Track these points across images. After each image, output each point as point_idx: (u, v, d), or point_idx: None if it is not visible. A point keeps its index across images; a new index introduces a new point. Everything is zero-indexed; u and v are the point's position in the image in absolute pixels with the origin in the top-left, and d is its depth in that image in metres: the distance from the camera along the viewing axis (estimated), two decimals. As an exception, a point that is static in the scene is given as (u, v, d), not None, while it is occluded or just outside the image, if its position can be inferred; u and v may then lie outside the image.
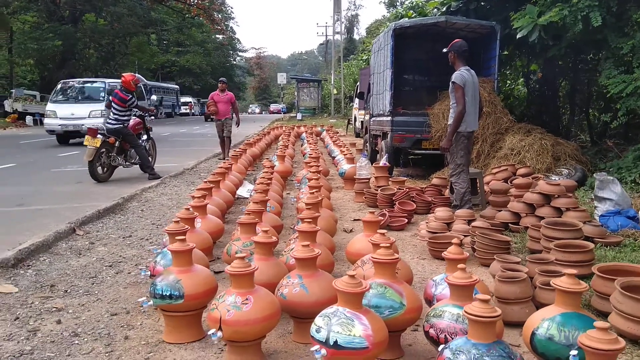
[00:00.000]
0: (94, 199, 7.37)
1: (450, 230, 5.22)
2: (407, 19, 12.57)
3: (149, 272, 3.68)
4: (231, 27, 67.49)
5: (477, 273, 4.16)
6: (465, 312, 2.22)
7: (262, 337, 2.87)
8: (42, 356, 2.93)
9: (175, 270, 3.13)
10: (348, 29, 74.22)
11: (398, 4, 37.82)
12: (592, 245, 4.12)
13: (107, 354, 2.96)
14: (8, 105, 32.33)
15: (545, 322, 2.48)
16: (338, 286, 2.56)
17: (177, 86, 49.10)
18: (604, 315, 3.27)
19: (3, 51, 39.09)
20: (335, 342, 2.44)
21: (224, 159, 11.81)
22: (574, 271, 2.47)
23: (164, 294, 3.03)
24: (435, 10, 11.08)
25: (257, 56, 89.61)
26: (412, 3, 16.20)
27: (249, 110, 76.87)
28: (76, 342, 3.11)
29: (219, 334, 2.71)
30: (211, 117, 11.74)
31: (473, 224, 5.07)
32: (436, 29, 9.46)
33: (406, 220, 6.02)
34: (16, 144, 18.02)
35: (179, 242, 3.17)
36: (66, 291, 3.95)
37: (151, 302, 3.11)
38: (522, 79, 13.32)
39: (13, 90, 33.62)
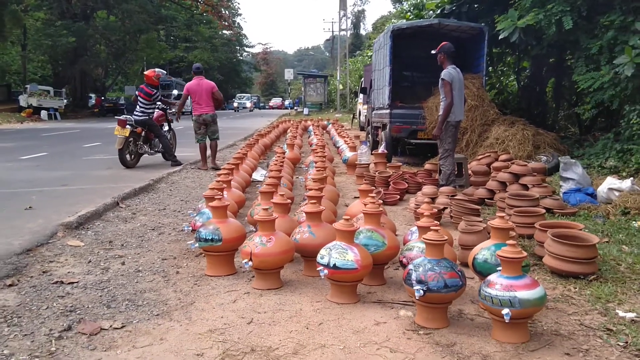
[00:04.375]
0: (126, 181, 8.38)
1: (434, 203, 6.21)
2: (404, 20, 13.55)
3: (190, 228, 4.70)
4: (238, 23, 68.35)
5: (452, 235, 5.15)
6: (424, 238, 3.23)
7: (281, 267, 3.88)
8: (117, 282, 3.95)
9: (215, 221, 4.14)
10: (354, 25, 75.07)
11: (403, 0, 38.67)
12: (543, 211, 5.11)
13: (165, 281, 3.98)
14: (23, 100, 33.53)
15: (483, 250, 3.49)
16: (337, 226, 3.58)
17: (184, 82, 50.11)
18: (541, 259, 4.26)
19: (16, 47, 40.32)
20: (334, 264, 3.46)
21: (206, 167, 10.12)
22: (503, 214, 3.47)
23: (207, 238, 4.03)
24: (431, 12, 12.03)
25: (264, 52, 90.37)
26: (417, 0, 17.16)
27: (234, 104, 56.42)
28: (140, 275, 4.13)
29: (250, 263, 3.73)
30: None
31: (453, 197, 6.05)
32: (431, 30, 10.42)
33: (398, 197, 7.03)
34: (38, 136, 19.09)
35: (217, 200, 4.18)
36: (122, 245, 4.98)
37: (197, 245, 4.13)
38: (514, 76, 14.24)
39: (28, 86, 34.76)
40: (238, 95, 62.45)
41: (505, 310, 2.86)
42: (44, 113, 32.47)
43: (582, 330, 3.15)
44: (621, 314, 3.34)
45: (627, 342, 2.97)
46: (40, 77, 44.40)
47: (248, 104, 57.91)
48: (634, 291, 3.73)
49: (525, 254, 3.01)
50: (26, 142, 15.89)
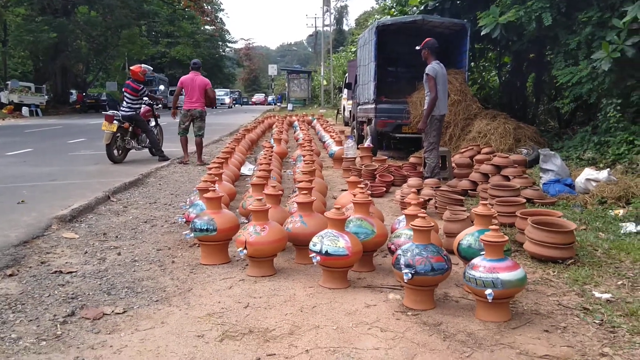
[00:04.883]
0: (115, 176, 8.46)
1: (419, 195, 6.40)
2: (389, 17, 13.74)
3: (184, 219, 4.83)
4: (220, 19, 67.94)
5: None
6: (411, 224, 3.40)
7: (274, 255, 4.03)
8: (115, 272, 4.07)
9: (209, 212, 4.28)
10: (337, 20, 75.14)
11: (386, -4, 38.84)
12: (524, 201, 5.32)
13: (162, 270, 4.11)
14: (4, 96, 33.06)
15: (467, 236, 3.68)
16: (328, 215, 3.74)
17: (166, 78, 49.67)
18: (522, 245, 4.47)
19: (-4, 43, 39.77)
20: (326, 251, 3.62)
21: (187, 160, 10.29)
22: (485, 202, 3.65)
23: (202, 228, 4.17)
24: (415, 8, 12.23)
25: (246, 47, 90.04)
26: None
27: None
28: (137, 264, 4.26)
29: (245, 251, 3.88)
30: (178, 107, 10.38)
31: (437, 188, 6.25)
32: (414, 26, 10.61)
33: (384, 189, 7.21)
34: (21, 132, 18.96)
35: (212, 192, 4.32)
36: (117, 237, 5.09)
37: (192, 235, 4.26)
38: (495, 71, 14.50)
39: (9, 82, 34.30)
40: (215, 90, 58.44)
41: (488, 291, 3.05)
42: (25, 109, 32.08)
43: (560, 310, 3.35)
44: (597, 294, 3.55)
45: (602, 320, 3.17)
46: (21, 73, 43.79)
47: (227, 100, 52.61)
48: (609, 274, 3.95)
49: (506, 238, 3.20)
50: (10, 139, 15.80)
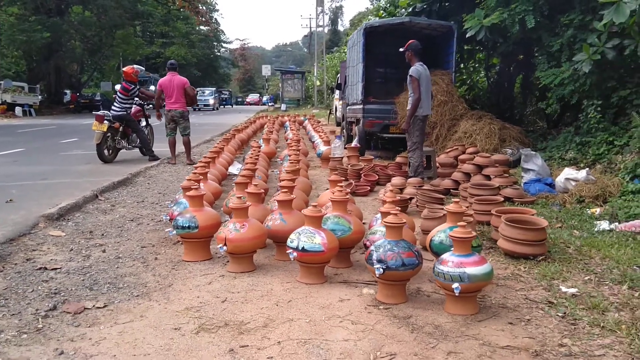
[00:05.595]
0: (105, 175, 8.55)
1: (402, 194, 6.52)
2: (377, 18, 13.89)
3: (168, 217, 4.94)
4: (215, 19, 67.97)
5: (417, 222, 5.46)
6: (384, 221, 3.52)
7: (254, 251, 4.15)
8: (99, 268, 4.17)
9: (192, 210, 4.39)
10: (332, 21, 75.40)
11: (380, -3, 38.96)
12: (501, 199, 5.45)
13: (144, 266, 4.22)
14: (-3, 96, 33.02)
15: (439, 233, 3.80)
16: (305, 212, 3.86)
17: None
18: (497, 242, 4.59)
19: (-11, 43, 39.67)
20: (303, 247, 3.73)
21: (174, 162, 10.36)
22: (457, 200, 3.78)
23: (184, 225, 4.28)
24: (403, 10, 12.37)
25: (242, 47, 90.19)
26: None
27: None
28: (120, 261, 4.36)
29: (225, 247, 3.99)
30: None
31: (420, 187, 6.37)
32: (402, 28, 10.74)
33: (369, 188, 7.34)
34: (14, 132, 19.00)
35: (194, 190, 4.43)
36: (102, 234, 5.19)
37: (175, 232, 4.37)
38: (484, 72, 14.64)
39: (2, 82, 34.21)
40: (199, 89, 44.36)
41: (455, 285, 3.17)
42: (18, 109, 32.03)
43: (527, 304, 3.48)
44: (563, 289, 3.68)
45: (565, 313, 3.30)
46: (14, 73, 43.72)
47: (211, 101, 46.26)
48: (578, 270, 4.08)
49: (474, 233, 3.32)
50: (2, 139, 15.84)
